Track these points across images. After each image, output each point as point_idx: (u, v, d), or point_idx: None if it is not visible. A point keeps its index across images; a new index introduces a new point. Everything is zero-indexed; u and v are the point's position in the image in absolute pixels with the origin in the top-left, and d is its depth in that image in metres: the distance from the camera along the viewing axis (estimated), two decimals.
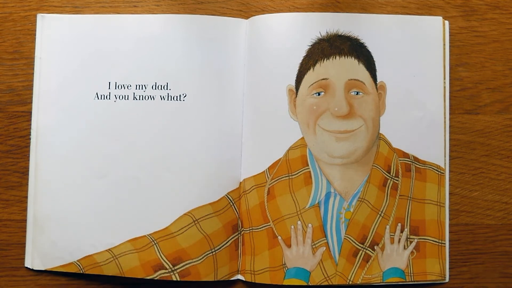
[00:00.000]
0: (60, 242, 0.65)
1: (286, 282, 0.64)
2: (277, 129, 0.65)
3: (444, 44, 0.66)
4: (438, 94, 0.66)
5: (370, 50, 0.66)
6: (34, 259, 0.65)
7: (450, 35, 0.67)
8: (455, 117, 0.67)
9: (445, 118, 0.66)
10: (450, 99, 0.67)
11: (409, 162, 0.65)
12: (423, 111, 0.66)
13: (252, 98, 0.66)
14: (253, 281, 0.65)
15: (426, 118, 0.66)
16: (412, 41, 0.66)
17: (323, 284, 0.64)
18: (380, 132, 0.66)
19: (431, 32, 0.66)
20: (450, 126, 0.66)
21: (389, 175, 0.65)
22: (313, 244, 0.64)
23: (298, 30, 0.66)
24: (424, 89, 0.66)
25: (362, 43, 0.66)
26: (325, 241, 0.64)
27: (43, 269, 0.65)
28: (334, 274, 0.64)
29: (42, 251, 0.65)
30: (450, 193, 0.66)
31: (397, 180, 0.65)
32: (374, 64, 0.66)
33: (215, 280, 0.64)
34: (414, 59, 0.66)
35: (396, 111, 0.66)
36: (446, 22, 0.67)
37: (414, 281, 0.65)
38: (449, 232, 0.65)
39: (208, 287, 0.65)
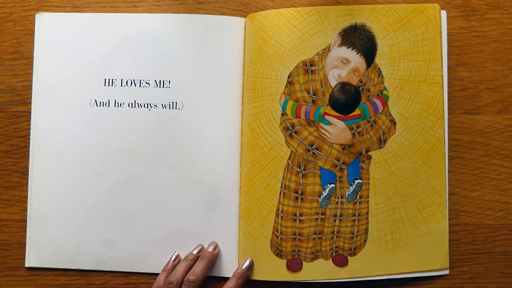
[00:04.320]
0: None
1: None
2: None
3: (440, 32, 0.65)
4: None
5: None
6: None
7: (450, 35, 0.67)
8: (455, 117, 0.67)
9: (444, 118, 0.66)
10: (450, 99, 0.66)
11: None
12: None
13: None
14: (252, 279, 0.65)
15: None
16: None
17: None
18: None
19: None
20: (450, 126, 0.66)
21: None
22: None
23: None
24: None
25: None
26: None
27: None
28: None
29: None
30: (450, 193, 0.66)
31: None
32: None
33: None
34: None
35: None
36: (443, 13, 0.66)
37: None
38: (449, 232, 0.65)
39: (208, 286, 0.65)
